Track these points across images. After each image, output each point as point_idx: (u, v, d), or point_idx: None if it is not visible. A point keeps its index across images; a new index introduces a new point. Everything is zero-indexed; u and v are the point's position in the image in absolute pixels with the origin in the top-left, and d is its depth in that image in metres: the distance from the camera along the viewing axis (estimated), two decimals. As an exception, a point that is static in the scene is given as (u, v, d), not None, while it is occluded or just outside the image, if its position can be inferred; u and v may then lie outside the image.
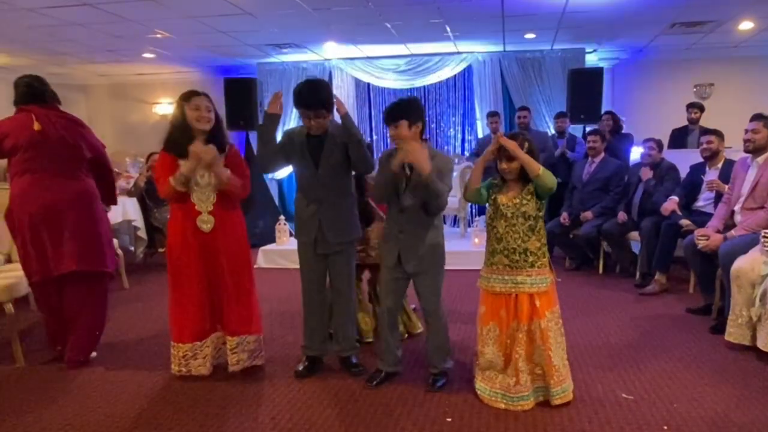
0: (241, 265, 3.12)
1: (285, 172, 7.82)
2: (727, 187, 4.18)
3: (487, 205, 2.82)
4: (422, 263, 2.87)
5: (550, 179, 2.61)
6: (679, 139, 6.56)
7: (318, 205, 3.03)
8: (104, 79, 9.08)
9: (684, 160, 5.10)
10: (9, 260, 4.07)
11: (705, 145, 4.54)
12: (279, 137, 3.13)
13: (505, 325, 2.72)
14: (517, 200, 2.68)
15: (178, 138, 2.95)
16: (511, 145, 2.61)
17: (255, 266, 6.21)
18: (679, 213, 4.60)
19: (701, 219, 4.36)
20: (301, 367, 3.17)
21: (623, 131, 6.65)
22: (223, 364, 3.19)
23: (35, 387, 3.08)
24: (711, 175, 4.54)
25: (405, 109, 2.82)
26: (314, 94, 2.89)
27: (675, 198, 4.67)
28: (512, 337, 2.71)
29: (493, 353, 2.75)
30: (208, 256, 3.03)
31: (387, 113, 2.84)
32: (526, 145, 2.66)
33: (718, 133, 4.56)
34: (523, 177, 2.69)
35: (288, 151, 3.05)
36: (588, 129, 6.28)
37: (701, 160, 4.69)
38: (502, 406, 2.68)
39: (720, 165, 4.52)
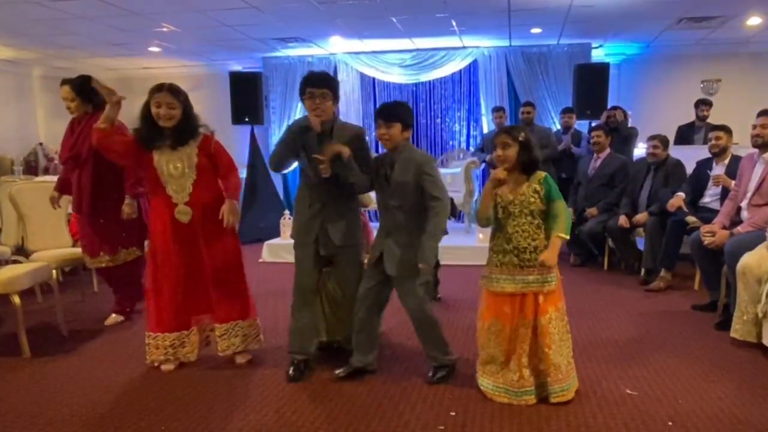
0: (225, 254, 3.12)
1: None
2: (733, 182, 4.16)
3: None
4: (402, 268, 2.82)
5: (569, 226, 2.74)
6: (685, 135, 6.52)
7: (321, 205, 3.00)
8: (110, 73, 9.09)
9: (690, 157, 5.06)
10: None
11: (714, 141, 4.51)
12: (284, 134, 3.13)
13: (509, 322, 2.71)
14: (523, 195, 2.66)
15: (145, 131, 2.99)
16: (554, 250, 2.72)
17: (260, 260, 6.22)
18: (686, 209, 4.58)
19: (707, 215, 4.34)
20: (291, 371, 3.03)
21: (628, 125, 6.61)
22: (230, 357, 3.21)
23: (41, 378, 3.10)
24: (717, 170, 4.51)
25: (402, 112, 2.84)
26: (322, 75, 2.97)
27: (681, 194, 4.64)
28: (516, 333, 2.70)
29: (494, 349, 2.74)
30: (188, 247, 3.04)
31: (383, 110, 2.85)
32: (522, 135, 2.65)
33: (726, 129, 4.53)
34: (523, 167, 2.67)
35: (296, 146, 3.01)
36: (594, 124, 6.26)
37: (707, 156, 4.66)
38: (506, 400, 2.68)
39: (727, 161, 4.49)
